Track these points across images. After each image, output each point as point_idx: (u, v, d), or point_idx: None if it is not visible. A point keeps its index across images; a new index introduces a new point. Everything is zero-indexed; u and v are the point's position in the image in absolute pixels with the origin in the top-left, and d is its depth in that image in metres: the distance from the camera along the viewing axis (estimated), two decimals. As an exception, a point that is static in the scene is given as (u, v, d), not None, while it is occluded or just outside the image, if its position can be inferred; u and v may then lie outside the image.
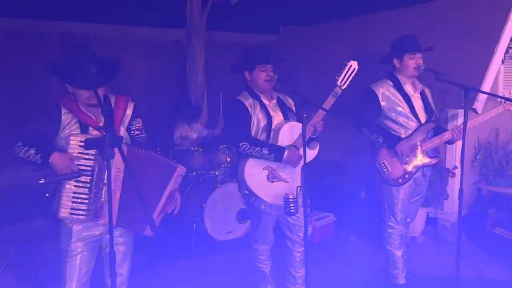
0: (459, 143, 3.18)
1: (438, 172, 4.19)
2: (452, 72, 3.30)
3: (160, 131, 5.82)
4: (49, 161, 2.12)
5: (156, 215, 2.32)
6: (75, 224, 2.30)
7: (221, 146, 4.57)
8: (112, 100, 2.44)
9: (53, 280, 2.78)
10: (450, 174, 4.20)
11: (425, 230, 4.54)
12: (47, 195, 2.09)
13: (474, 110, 3.92)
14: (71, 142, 2.12)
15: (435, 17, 4.54)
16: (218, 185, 4.29)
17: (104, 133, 1.79)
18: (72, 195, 2.16)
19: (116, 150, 1.98)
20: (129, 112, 2.45)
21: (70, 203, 2.16)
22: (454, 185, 4.21)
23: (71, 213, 2.17)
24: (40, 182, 2.02)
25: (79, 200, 2.17)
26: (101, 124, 2.28)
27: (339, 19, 5.80)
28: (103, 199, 2.17)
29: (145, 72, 6.43)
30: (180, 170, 2.36)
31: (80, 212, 2.17)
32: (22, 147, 2.17)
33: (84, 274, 2.36)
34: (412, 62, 3.15)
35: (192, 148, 4.67)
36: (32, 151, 2.14)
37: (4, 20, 5.42)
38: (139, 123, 2.48)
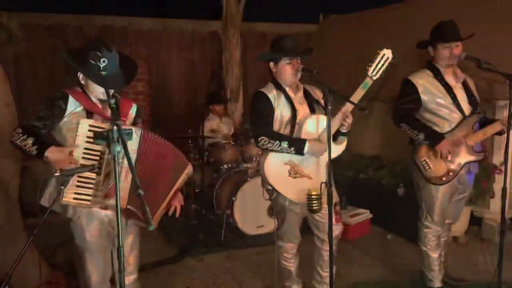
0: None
1: (484, 168, 3.89)
2: (500, 60, 3.02)
3: (196, 123, 5.86)
4: (45, 154, 2.08)
5: (162, 208, 2.32)
6: (84, 217, 2.27)
7: (252, 139, 4.50)
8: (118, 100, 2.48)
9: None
10: (497, 171, 3.89)
11: (470, 230, 4.26)
12: (61, 187, 2.08)
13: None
14: (80, 126, 2.10)
15: (481, 1, 4.20)
16: (248, 179, 4.23)
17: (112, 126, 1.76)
18: (78, 179, 2.12)
19: (134, 131, 2.11)
20: (132, 112, 2.49)
21: (74, 188, 2.12)
22: (501, 183, 3.89)
23: (74, 198, 2.13)
24: (55, 175, 2.02)
25: (84, 185, 2.13)
26: (108, 114, 2.28)
27: (381, 6, 5.52)
28: (112, 182, 2.13)
29: (183, 64, 6.48)
30: (190, 167, 2.37)
31: (84, 197, 2.13)
32: (21, 134, 2.10)
33: (104, 266, 2.37)
34: (446, 51, 2.91)
35: (224, 141, 4.63)
36: (30, 141, 2.08)
37: (47, 16, 5.62)
38: (140, 123, 2.54)
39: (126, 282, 2.40)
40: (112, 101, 1.87)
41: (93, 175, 2.13)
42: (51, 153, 2.09)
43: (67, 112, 2.21)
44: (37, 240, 2.27)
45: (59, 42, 5.60)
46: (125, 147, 1.71)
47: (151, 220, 1.63)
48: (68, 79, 5.52)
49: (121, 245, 1.78)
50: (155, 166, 2.28)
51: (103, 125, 2.17)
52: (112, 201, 2.14)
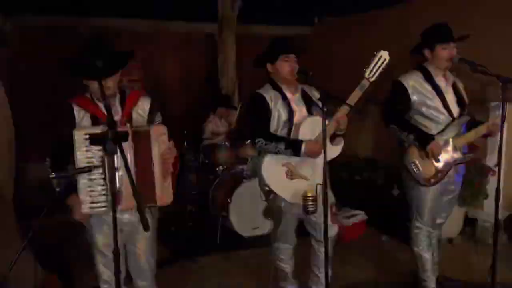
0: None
1: (478, 170, 3.92)
2: (494, 61, 3.05)
3: (191, 125, 5.86)
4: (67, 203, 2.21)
5: (161, 183, 2.27)
6: (99, 216, 2.29)
7: (249, 141, 4.50)
8: (127, 94, 2.44)
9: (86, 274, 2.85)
10: (491, 172, 3.93)
11: (464, 231, 4.29)
12: (57, 189, 2.08)
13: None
14: (76, 137, 2.09)
15: (474, 3, 4.24)
16: (244, 180, 4.24)
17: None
18: (89, 189, 2.15)
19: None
20: (145, 107, 2.44)
21: (88, 197, 2.16)
22: (495, 184, 3.91)
23: (91, 207, 2.17)
24: (50, 177, 2.02)
25: (96, 193, 2.16)
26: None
27: (376, 8, 5.55)
28: (117, 186, 2.13)
29: (178, 66, 6.48)
30: (155, 131, 2.26)
31: (100, 204, 2.18)
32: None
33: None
34: (445, 53, 2.92)
35: (220, 143, 4.65)
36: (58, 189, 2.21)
37: (41, 17, 5.59)
38: (160, 117, 2.50)
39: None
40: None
41: (102, 181, 2.15)
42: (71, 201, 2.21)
43: (77, 122, 2.24)
44: (32, 242, 2.26)
45: (54, 44, 5.57)
46: (121, 149, 1.71)
47: (147, 225, 1.64)
48: (60, 80, 5.56)
49: (117, 248, 1.79)
50: (149, 164, 2.26)
51: (97, 130, 2.11)
52: (120, 208, 2.13)
